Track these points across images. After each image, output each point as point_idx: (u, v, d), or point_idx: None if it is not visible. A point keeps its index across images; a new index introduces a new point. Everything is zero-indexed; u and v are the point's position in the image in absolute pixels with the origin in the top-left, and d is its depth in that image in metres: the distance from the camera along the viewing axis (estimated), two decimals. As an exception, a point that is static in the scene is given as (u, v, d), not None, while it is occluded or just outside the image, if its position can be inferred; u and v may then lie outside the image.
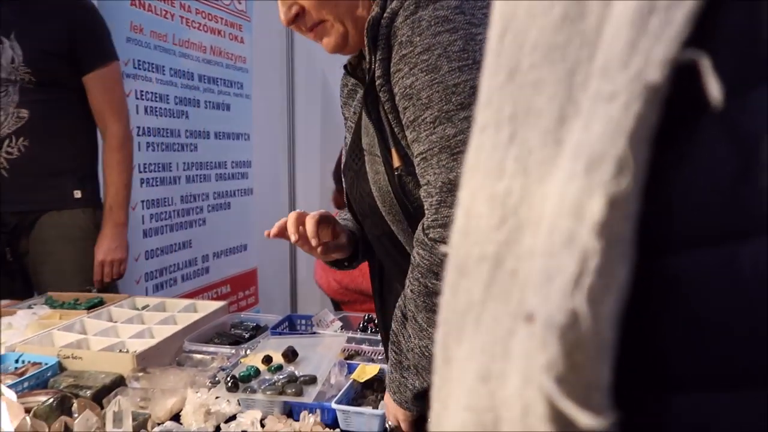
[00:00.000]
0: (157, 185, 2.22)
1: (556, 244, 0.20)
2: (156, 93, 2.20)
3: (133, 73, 2.08)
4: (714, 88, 0.18)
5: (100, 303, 1.59)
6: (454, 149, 0.69)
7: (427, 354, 0.77)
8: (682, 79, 0.19)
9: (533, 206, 0.21)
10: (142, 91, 2.12)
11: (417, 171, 0.75)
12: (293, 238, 0.93)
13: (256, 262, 2.92)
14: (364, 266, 1.11)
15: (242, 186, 2.80)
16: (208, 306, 1.57)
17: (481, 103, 0.24)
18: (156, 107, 2.20)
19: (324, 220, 0.96)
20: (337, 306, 2.32)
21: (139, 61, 2.10)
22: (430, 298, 0.74)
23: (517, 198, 0.22)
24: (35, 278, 1.82)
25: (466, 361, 0.23)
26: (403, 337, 0.81)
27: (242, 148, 2.78)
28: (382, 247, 0.90)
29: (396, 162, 0.80)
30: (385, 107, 0.78)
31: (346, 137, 1.05)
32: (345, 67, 0.95)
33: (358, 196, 0.89)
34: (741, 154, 0.19)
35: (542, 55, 0.22)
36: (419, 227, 0.75)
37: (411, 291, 0.76)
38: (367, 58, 0.79)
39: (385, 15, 0.75)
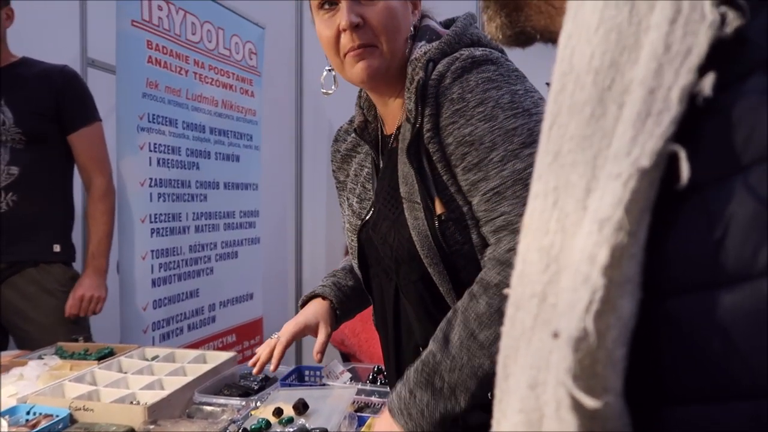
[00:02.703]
0: (166, 235, 2.25)
1: (578, 282, 0.26)
2: (168, 145, 2.25)
3: (147, 126, 2.14)
4: (685, 172, 0.25)
5: (111, 353, 1.60)
6: (527, 180, 0.77)
7: (479, 374, 0.77)
8: (676, 168, 0.26)
9: (568, 256, 0.28)
10: (155, 144, 2.18)
11: (485, 207, 0.82)
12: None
13: (262, 311, 2.92)
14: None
15: (249, 235, 2.83)
16: (217, 357, 1.58)
17: (534, 177, 0.31)
18: (168, 159, 2.25)
19: (294, 338, 1.14)
20: (346, 357, 2.32)
21: (153, 115, 2.17)
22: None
23: (558, 249, 0.29)
24: (14, 333, 1.88)
25: (520, 375, 0.29)
26: (446, 356, 0.79)
27: (250, 197, 2.83)
28: (416, 292, 0.94)
29: (439, 209, 0.87)
30: (434, 157, 0.87)
31: (348, 198, 1.11)
32: (355, 130, 1.05)
33: (396, 243, 0.93)
34: (714, 229, 0.25)
35: (576, 143, 0.29)
36: (494, 251, 0.81)
37: (487, 305, 0.78)
38: (414, 114, 0.87)
39: (433, 77, 0.86)
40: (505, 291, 0.33)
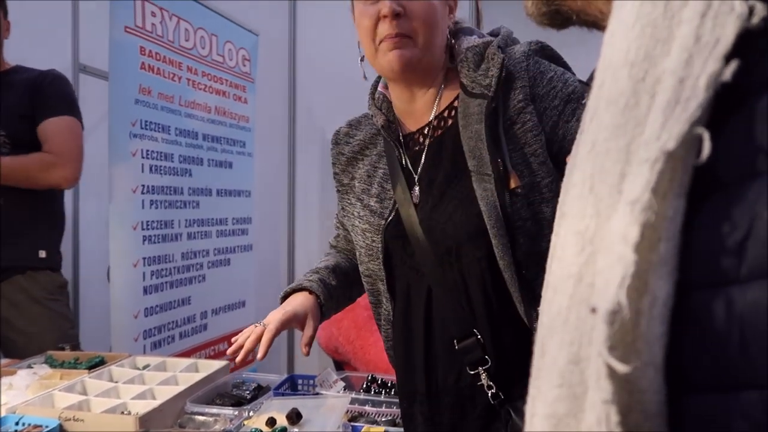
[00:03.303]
0: (158, 242, 2.23)
1: (612, 261, 0.27)
2: (161, 152, 2.24)
3: (139, 133, 2.13)
4: (705, 150, 0.26)
5: (101, 362, 1.58)
6: None
7: None
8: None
9: (603, 238, 0.29)
10: (147, 151, 2.16)
11: None
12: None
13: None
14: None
15: (242, 242, 2.81)
16: (209, 366, 1.56)
17: (574, 165, 0.33)
18: (161, 166, 2.24)
19: (283, 327, 1.05)
20: (339, 366, 2.30)
21: (146, 121, 2.15)
22: None
23: (593, 232, 0.30)
24: (1, 342, 1.85)
25: (557, 351, 0.31)
26: None
27: (243, 204, 2.81)
28: (479, 270, 0.96)
29: (513, 183, 0.92)
30: (524, 127, 0.94)
31: (362, 200, 1.11)
32: (381, 127, 1.08)
33: (463, 218, 0.96)
34: (738, 226, 0.26)
35: (611, 132, 0.30)
36: None
37: None
38: (493, 89, 0.95)
39: (519, 55, 0.98)
40: (544, 277, 0.34)
